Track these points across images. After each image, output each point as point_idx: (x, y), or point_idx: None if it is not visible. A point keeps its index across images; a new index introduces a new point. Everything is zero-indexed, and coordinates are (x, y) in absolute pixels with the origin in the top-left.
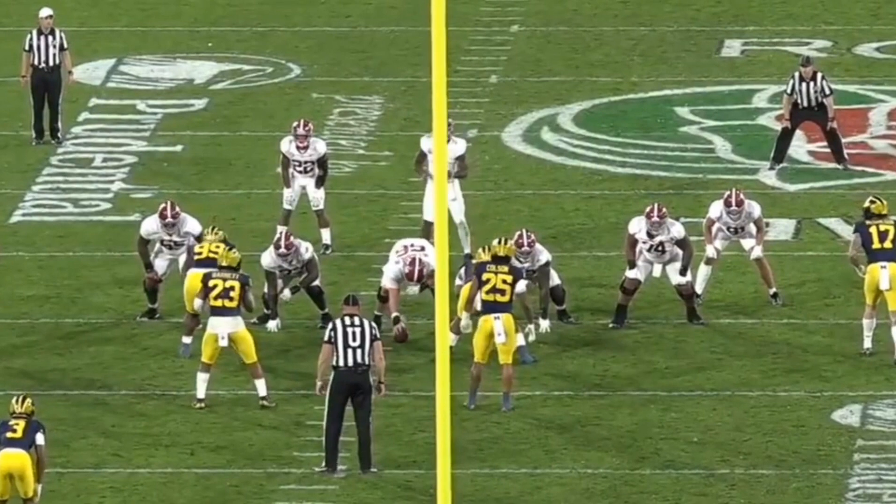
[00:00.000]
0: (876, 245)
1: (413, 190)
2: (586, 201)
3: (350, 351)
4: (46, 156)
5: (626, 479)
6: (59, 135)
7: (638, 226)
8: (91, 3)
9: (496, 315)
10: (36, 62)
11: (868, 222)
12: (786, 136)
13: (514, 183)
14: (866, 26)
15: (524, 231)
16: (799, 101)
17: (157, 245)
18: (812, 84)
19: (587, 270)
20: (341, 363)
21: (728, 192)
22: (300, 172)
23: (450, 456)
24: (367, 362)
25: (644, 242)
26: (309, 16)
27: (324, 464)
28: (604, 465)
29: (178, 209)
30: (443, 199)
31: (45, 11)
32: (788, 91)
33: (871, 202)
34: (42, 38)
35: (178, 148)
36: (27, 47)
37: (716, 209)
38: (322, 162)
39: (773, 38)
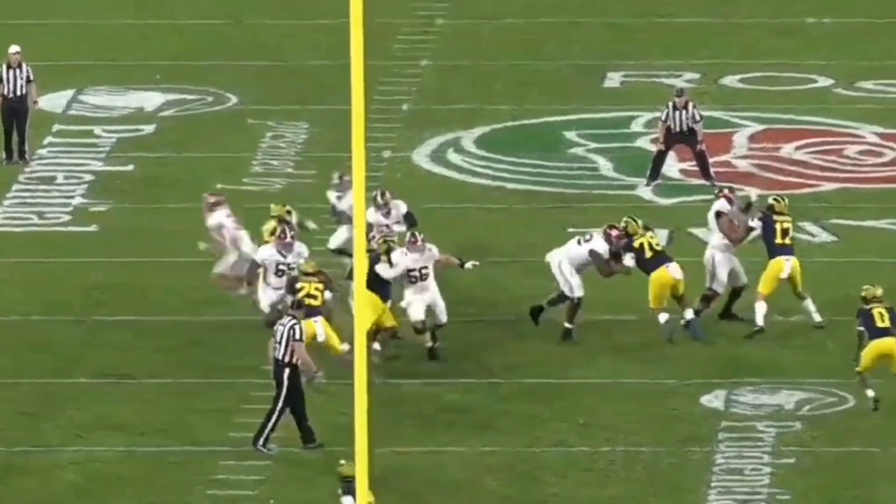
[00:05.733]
0: (779, 240)
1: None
2: (487, 214)
3: (272, 348)
4: (15, 175)
5: (523, 457)
6: (26, 156)
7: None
8: (56, 40)
9: (315, 319)
10: (6, 93)
11: (775, 217)
12: (660, 157)
13: (424, 198)
14: (732, 60)
15: (380, 191)
16: (672, 126)
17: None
18: (684, 112)
19: (488, 276)
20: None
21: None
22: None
23: (367, 436)
24: (283, 359)
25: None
26: (247, 51)
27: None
28: (502, 444)
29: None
30: (360, 208)
31: (14, 48)
32: (663, 118)
33: (776, 200)
34: (11, 71)
35: (130, 167)
36: None
37: (722, 204)
38: (408, 216)
39: (649, 70)
